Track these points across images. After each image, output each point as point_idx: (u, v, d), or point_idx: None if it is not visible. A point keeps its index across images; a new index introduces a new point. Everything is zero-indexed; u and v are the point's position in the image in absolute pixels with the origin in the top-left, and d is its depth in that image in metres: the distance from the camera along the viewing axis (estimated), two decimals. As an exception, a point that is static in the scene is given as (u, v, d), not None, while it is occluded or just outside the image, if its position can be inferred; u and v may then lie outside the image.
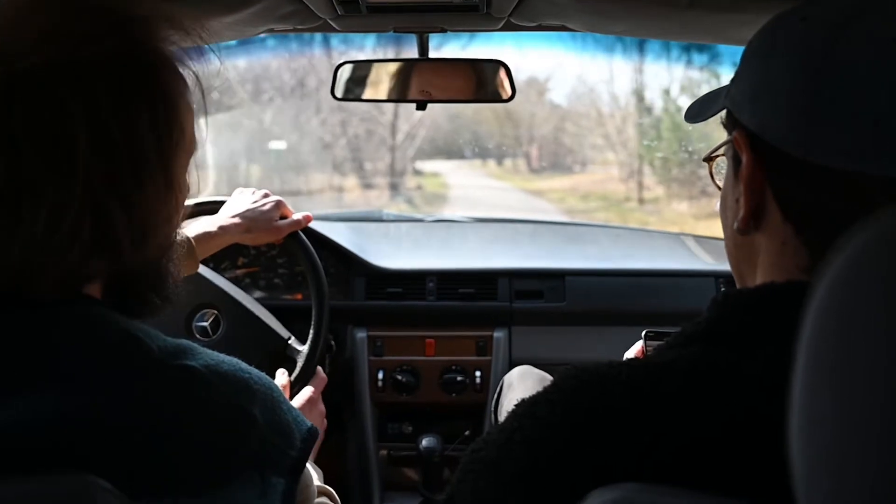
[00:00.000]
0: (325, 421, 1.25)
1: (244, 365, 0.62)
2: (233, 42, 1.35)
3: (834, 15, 0.51)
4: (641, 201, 8.67)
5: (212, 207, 1.30)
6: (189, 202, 0.64)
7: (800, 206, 0.54)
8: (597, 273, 1.76)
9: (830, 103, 0.50)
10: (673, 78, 7.47)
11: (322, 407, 1.26)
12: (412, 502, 1.68)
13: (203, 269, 1.40)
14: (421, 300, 1.72)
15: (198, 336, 1.38)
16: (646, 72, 7.85)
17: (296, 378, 1.30)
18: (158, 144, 0.58)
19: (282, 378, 1.27)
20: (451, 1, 1.08)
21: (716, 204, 0.65)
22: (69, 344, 0.55)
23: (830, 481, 0.29)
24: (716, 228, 0.64)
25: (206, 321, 1.39)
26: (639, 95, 8.40)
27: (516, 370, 1.37)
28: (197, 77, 0.61)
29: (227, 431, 0.57)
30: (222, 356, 0.61)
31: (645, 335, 1.03)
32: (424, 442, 1.61)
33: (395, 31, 1.23)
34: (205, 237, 1.20)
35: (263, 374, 0.63)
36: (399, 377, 1.69)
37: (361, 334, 1.71)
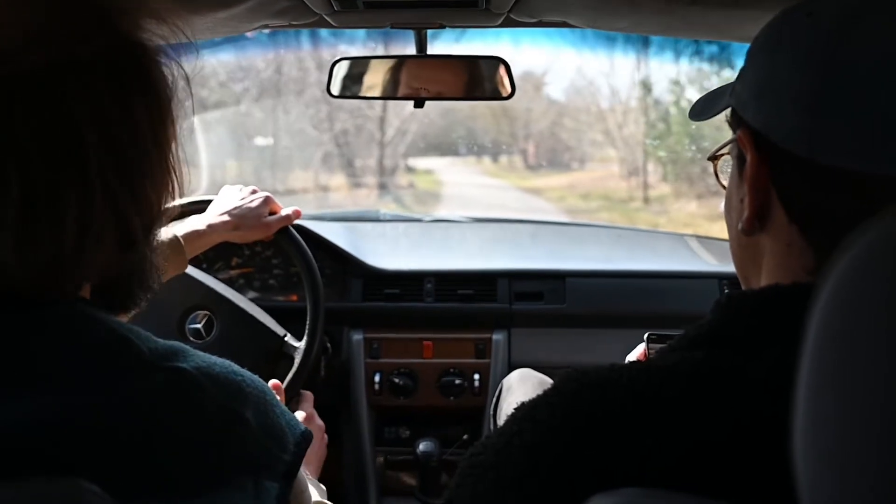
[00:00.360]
0: (326, 436, 1.24)
1: (237, 367, 0.62)
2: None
3: (841, 10, 0.51)
4: (647, 200, 8.41)
5: (199, 206, 1.29)
6: (176, 202, 0.63)
7: (804, 206, 0.53)
8: (598, 274, 1.75)
9: (836, 101, 0.49)
10: (681, 69, 7.19)
11: (320, 421, 1.25)
12: (409, 508, 1.67)
13: (193, 271, 1.39)
14: (419, 301, 1.70)
15: (191, 338, 1.36)
16: (651, 63, 7.66)
17: (294, 374, 1.29)
18: (155, 137, 0.59)
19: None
20: (449, -4, 1.07)
21: (721, 204, 0.64)
22: (59, 346, 0.54)
23: (834, 483, 0.29)
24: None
25: (199, 323, 1.38)
26: (646, 87, 8.12)
27: (515, 373, 1.36)
28: (181, 70, 0.61)
29: (219, 434, 0.56)
30: (214, 358, 0.60)
31: (647, 338, 1.02)
32: (422, 446, 1.60)
33: (392, 28, 1.21)
34: (193, 235, 1.20)
35: (256, 377, 0.62)
36: (396, 380, 1.67)
37: (358, 336, 1.69)
